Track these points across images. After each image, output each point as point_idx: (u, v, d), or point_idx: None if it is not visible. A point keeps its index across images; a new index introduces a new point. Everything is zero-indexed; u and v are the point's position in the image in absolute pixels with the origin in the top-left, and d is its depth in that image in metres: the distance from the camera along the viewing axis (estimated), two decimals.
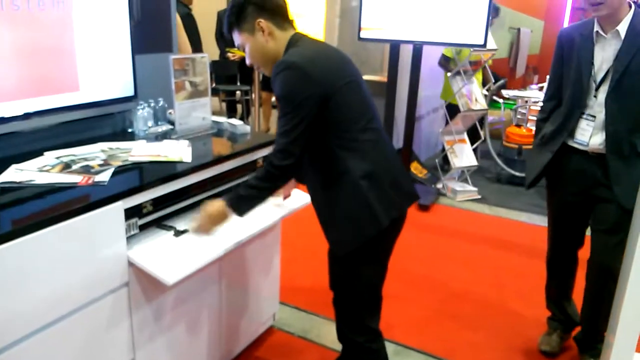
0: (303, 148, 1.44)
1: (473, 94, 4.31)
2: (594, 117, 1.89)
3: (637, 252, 1.51)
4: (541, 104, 2.17)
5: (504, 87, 5.13)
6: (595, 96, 1.88)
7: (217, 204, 1.50)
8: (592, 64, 1.87)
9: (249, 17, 1.48)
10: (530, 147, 4.72)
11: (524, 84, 7.66)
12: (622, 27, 1.80)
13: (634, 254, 1.52)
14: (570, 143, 1.97)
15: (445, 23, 3.58)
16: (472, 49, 3.99)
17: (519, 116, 5.06)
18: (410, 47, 3.93)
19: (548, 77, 2.12)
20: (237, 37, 1.54)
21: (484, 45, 3.55)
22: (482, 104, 4.32)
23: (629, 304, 1.56)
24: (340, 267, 1.59)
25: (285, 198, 1.92)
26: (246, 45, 1.52)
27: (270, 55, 1.51)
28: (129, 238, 1.45)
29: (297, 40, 1.51)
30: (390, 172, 1.52)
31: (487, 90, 4.74)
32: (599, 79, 1.87)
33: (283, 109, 1.41)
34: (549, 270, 2.24)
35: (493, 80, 4.94)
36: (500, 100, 5.36)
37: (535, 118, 4.88)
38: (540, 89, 5.64)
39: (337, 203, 1.48)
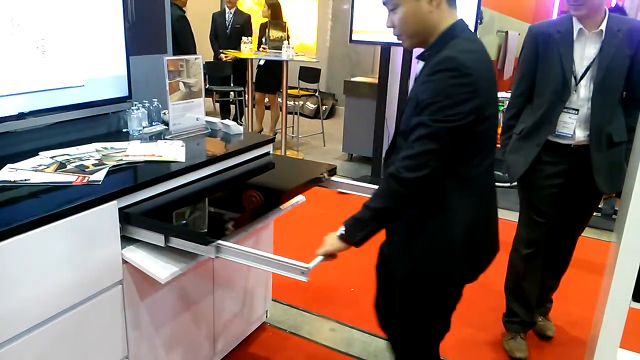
0: (443, 163, 1.21)
1: None
2: (577, 110, 1.95)
3: (622, 248, 1.54)
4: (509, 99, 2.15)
5: None
6: (575, 91, 1.95)
7: (331, 240, 1.33)
8: (573, 60, 1.94)
9: None
10: None
11: (511, 86, 7.71)
12: (603, 27, 1.90)
13: (619, 249, 1.55)
14: (550, 137, 1.99)
15: None
16: None
17: None
18: (400, 49, 3.98)
19: (517, 72, 2.10)
20: None
21: None
22: None
23: (613, 300, 1.59)
24: (409, 301, 1.45)
25: None
26: (401, 9, 1.28)
27: (426, 28, 1.29)
28: (123, 236, 1.47)
29: (462, 31, 1.29)
30: (488, 224, 1.40)
31: None
32: (579, 74, 1.94)
33: (429, 113, 1.19)
34: (528, 269, 2.17)
35: None
36: None
37: None
38: None
39: (420, 236, 1.33)
